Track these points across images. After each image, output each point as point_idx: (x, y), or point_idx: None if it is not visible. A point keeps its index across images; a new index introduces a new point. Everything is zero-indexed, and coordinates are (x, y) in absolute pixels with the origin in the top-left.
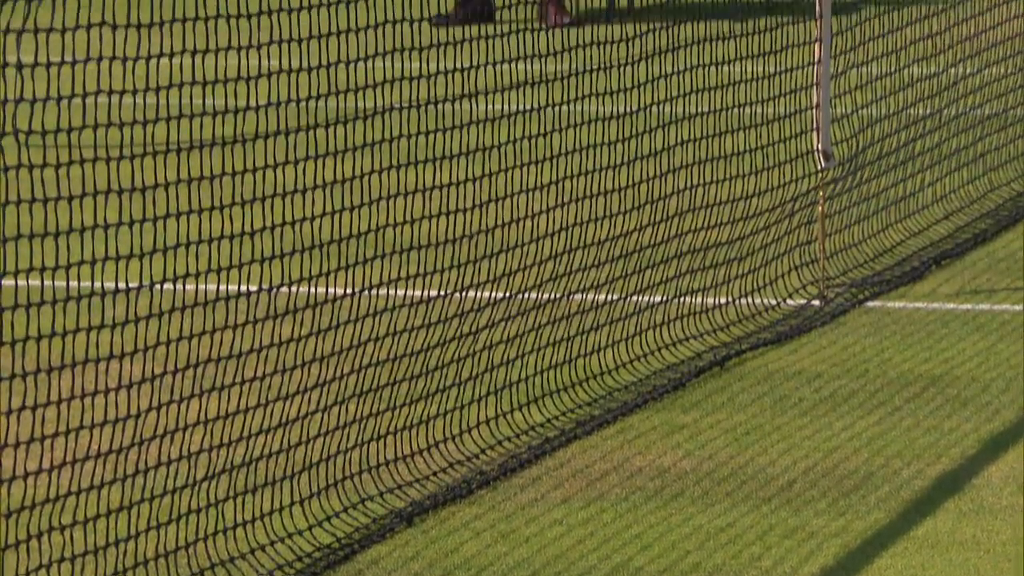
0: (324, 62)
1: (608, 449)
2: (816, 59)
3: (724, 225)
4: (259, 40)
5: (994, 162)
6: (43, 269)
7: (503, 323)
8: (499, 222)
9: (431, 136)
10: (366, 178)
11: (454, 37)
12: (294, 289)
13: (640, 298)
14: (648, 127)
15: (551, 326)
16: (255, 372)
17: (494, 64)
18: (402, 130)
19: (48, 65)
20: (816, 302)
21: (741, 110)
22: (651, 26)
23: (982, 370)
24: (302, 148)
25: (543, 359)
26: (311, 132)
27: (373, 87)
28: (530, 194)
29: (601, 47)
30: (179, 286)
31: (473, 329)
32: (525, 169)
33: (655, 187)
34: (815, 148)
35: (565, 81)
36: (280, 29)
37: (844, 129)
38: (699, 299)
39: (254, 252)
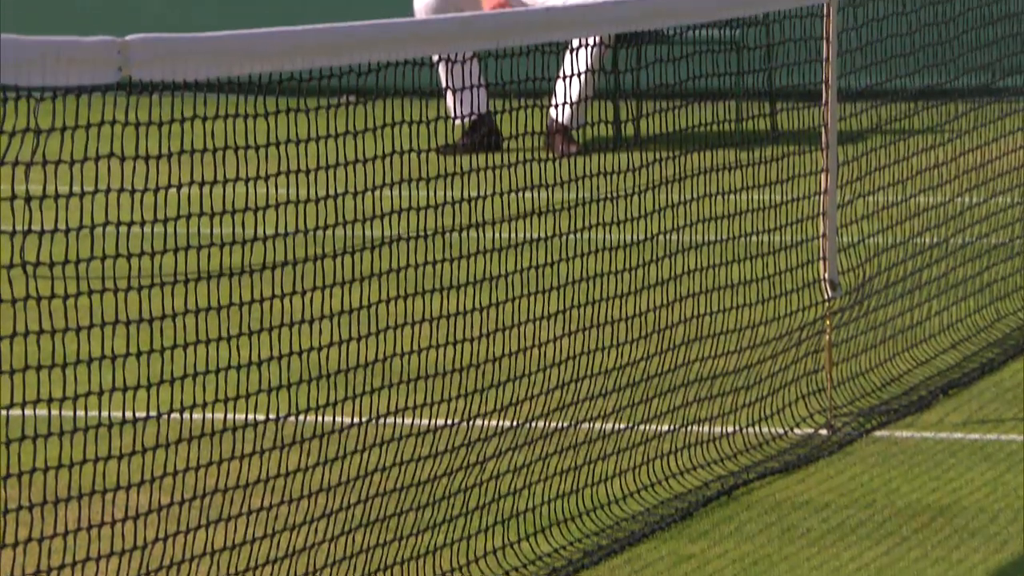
0: (332, 192)
1: None
2: (823, 189)
3: (731, 354)
4: (267, 171)
5: (1001, 292)
6: (50, 400)
7: (510, 452)
8: (506, 351)
9: (438, 266)
10: (373, 308)
11: (461, 167)
12: (301, 418)
13: (647, 427)
14: (655, 256)
15: (558, 455)
16: (262, 502)
17: (501, 194)
18: (409, 260)
19: (56, 196)
20: (823, 431)
21: (748, 239)
22: (658, 156)
23: (990, 500)
24: (309, 278)
25: (551, 489)
26: (319, 262)
27: (381, 217)
28: (537, 323)
29: (608, 177)
30: (186, 416)
31: (480, 459)
32: (532, 298)
33: (662, 316)
34: (822, 278)
35: (572, 211)
36: (288, 160)
37: (851, 258)
38: (706, 428)
39: (261, 382)
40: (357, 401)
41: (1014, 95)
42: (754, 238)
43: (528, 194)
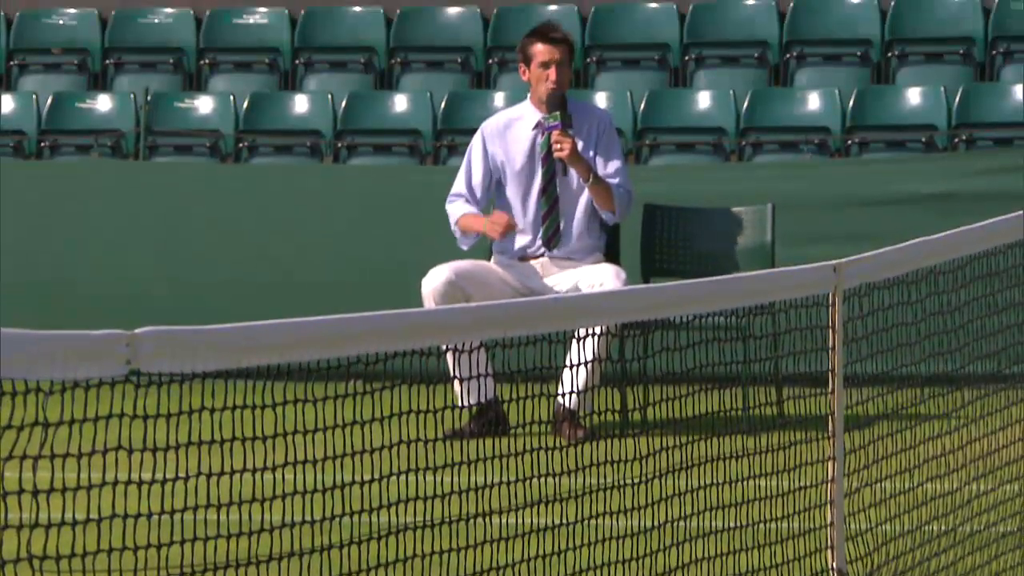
0: (339, 482)
1: None
2: (830, 477)
3: None
4: (274, 461)
5: None
6: None
7: None
8: None
9: (446, 555)
10: None
11: (468, 455)
12: None
13: None
14: (663, 545)
15: None
16: None
17: (509, 482)
18: (416, 549)
19: (64, 489)
20: None
21: (755, 528)
22: (665, 443)
23: None
24: (316, 568)
25: None
26: (325, 552)
27: (388, 506)
28: None
29: (615, 464)
30: None
31: None
32: None
33: None
34: (830, 567)
35: (580, 498)
36: (295, 449)
37: (859, 547)
38: None
39: None
40: None
41: (1022, 382)
42: (762, 526)
43: (536, 482)
